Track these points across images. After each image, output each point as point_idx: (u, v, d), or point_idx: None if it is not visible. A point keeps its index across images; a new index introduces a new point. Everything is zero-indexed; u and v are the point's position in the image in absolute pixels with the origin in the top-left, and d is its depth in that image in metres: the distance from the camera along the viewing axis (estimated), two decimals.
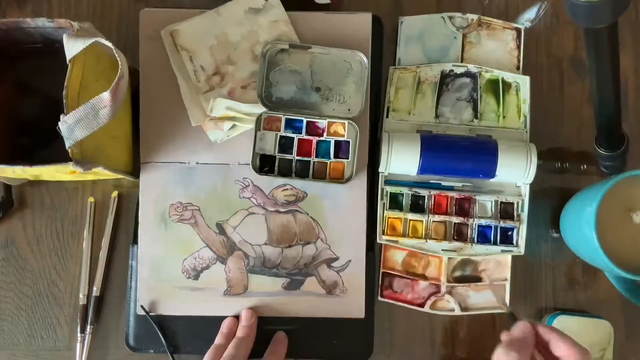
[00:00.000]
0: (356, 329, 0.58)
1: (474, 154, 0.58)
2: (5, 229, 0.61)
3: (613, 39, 0.41)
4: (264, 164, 0.59)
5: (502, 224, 0.59)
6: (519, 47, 0.62)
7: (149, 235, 0.58)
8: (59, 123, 0.46)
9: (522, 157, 0.57)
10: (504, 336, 0.49)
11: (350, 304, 0.58)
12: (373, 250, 0.60)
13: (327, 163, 0.59)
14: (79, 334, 0.59)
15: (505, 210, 0.60)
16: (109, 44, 0.48)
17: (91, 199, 0.61)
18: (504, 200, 0.59)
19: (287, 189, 0.59)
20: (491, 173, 0.58)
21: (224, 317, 0.58)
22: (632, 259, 0.53)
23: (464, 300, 0.60)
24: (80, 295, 0.60)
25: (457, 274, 0.60)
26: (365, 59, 0.58)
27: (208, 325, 0.58)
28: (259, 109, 0.58)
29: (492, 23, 0.63)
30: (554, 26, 0.64)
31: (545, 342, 0.48)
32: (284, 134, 0.59)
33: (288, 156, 0.59)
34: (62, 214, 0.61)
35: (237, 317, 0.58)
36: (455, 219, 0.59)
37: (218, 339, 0.56)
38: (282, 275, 0.59)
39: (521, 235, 0.59)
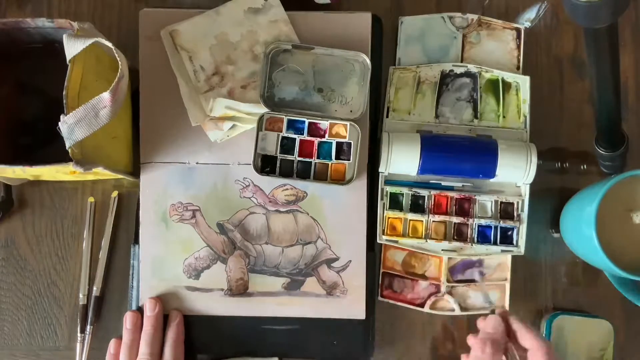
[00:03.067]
0: (356, 329, 0.58)
1: (474, 154, 0.58)
2: (5, 229, 0.61)
3: (613, 39, 0.41)
4: (266, 165, 0.59)
5: (502, 224, 0.59)
6: (519, 47, 0.62)
7: (150, 235, 0.58)
8: (59, 123, 0.46)
9: (522, 157, 0.57)
10: (480, 324, 0.54)
11: (351, 304, 0.58)
12: (373, 250, 0.59)
13: (328, 164, 0.59)
14: (79, 334, 0.59)
15: (505, 210, 0.60)
16: (109, 44, 0.48)
17: (91, 199, 0.61)
18: (504, 200, 0.59)
19: (287, 189, 0.59)
20: (491, 173, 0.58)
21: (225, 317, 0.58)
22: (632, 259, 0.53)
23: (464, 300, 0.60)
24: (80, 295, 0.60)
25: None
26: (368, 61, 0.58)
27: (208, 325, 0.58)
28: (259, 108, 0.58)
29: (492, 23, 0.63)
30: (554, 26, 0.64)
31: (514, 331, 0.52)
32: (285, 135, 0.59)
33: (289, 157, 0.59)
34: (62, 214, 0.61)
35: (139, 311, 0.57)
36: (455, 219, 0.59)
37: (125, 336, 0.55)
38: (282, 275, 0.59)
39: (521, 235, 0.59)
